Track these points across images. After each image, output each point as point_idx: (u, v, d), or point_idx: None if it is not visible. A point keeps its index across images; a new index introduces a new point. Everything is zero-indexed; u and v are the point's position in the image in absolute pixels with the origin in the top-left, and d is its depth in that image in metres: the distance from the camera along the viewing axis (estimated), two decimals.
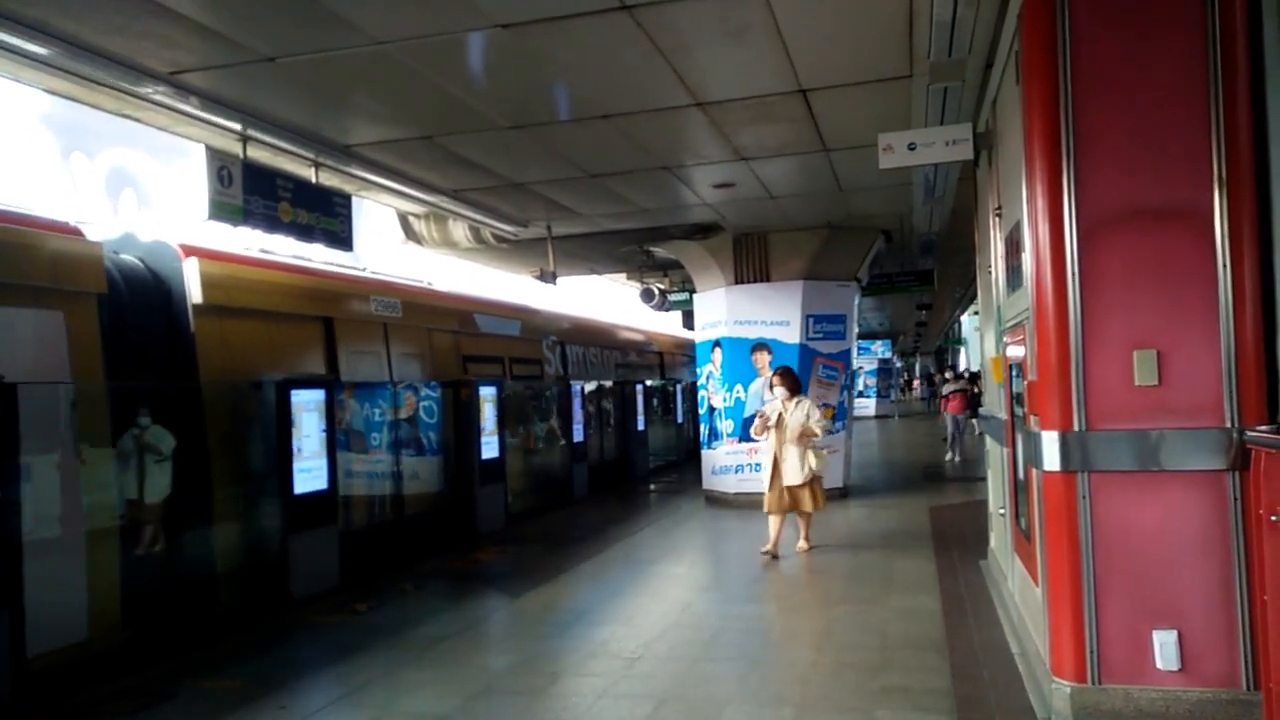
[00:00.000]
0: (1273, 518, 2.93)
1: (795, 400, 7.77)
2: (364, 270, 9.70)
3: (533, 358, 12.66)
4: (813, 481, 7.67)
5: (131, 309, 6.29)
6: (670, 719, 4.22)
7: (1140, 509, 3.76)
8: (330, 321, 8.30)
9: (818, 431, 7.66)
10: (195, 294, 6.64)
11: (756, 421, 7.86)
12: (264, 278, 7.64)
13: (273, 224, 6.19)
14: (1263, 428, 3.54)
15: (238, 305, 7.09)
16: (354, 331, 8.65)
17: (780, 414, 7.72)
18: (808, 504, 7.72)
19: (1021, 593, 5.09)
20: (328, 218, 6.68)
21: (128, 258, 6.55)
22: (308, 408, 6.80)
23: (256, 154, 6.32)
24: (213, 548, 6.53)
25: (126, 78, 5.15)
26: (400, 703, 4.58)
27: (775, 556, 7.65)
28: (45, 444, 5.29)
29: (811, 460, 7.61)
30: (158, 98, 5.46)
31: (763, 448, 7.98)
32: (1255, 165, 3.67)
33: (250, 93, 5.66)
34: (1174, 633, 3.67)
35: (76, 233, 5.96)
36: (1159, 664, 3.68)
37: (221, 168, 5.75)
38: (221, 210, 5.75)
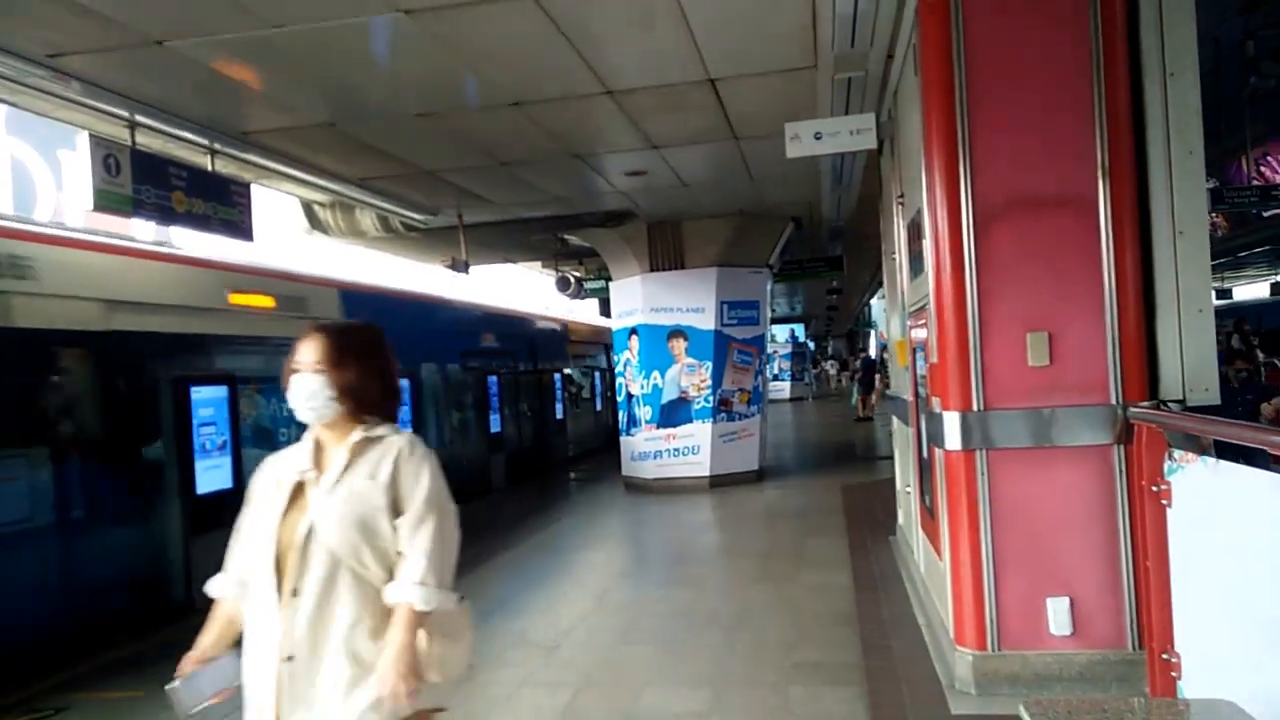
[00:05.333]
0: (1153, 488, 3.11)
1: (361, 437, 2.26)
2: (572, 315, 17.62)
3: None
4: None
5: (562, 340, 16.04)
6: (590, 704, 4.25)
7: (1035, 483, 3.94)
8: (579, 342, 16.96)
9: (427, 603, 2.22)
10: (569, 337, 16.34)
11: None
12: (576, 327, 16.87)
13: (166, 215, 5.90)
14: (1144, 404, 3.77)
15: (574, 340, 16.57)
16: (581, 348, 17.20)
17: (299, 484, 2.21)
18: None
19: (927, 566, 5.29)
20: (225, 207, 6.41)
21: (557, 325, 15.99)
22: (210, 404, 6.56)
23: (147, 141, 6.02)
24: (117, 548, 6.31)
25: None
26: None
27: None
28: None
29: (422, 645, 2.24)
30: (34, 81, 5.14)
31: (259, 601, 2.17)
32: (1135, 155, 3.88)
33: (138, 77, 5.37)
34: (1066, 600, 3.88)
35: (562, 320, 16.29)
36: (1053, 629, 3.88)
37: (107, 155, 5.44)
38: (109, 200, 5.44)
